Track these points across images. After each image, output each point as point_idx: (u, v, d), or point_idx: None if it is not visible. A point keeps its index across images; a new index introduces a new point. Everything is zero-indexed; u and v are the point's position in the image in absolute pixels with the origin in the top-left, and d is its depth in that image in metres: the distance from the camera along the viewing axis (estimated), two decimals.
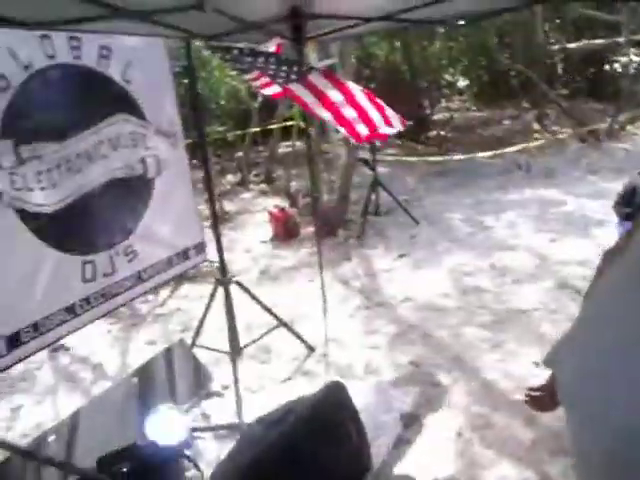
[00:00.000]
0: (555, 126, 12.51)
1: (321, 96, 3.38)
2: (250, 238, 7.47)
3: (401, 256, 6.10)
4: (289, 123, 9.54)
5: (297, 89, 3.38)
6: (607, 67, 14.49)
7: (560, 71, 14.99)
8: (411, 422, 3.31)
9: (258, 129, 10.64)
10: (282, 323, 4.19)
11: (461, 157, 9.01)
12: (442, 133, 13.26)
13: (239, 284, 3.93)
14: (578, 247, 5.67)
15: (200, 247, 3.87)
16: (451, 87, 16.33)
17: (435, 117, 14.40)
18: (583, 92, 14.27)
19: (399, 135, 11.28)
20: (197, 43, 5.52)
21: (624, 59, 12.42)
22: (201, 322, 4.04)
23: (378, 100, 3.65)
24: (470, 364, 3.89)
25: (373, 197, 7.44)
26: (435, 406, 3.46)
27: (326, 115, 3.40)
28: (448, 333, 4.34)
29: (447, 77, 15.69)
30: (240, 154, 11.28)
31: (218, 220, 3.99)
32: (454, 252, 6.03)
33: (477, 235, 6.54)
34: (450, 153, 10.39)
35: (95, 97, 3.06)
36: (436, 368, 3.87)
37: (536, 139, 10.83)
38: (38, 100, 2.75)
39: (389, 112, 3.68)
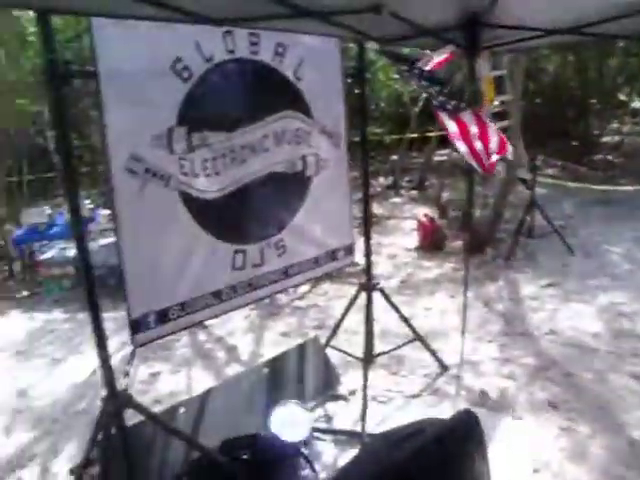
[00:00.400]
0: None
1: (462, 128, 3.43)
2: (395, 244, 7.43)
3: (550, 285, 5.75)
4: None
5: (445, 117, 3.45)
6: None
7: None
8: (542, 468, 3.09)
9: (416, 135, 10.54)
10: (419, 337, 4.09)
11: (630, 188, 8.30)
12: (609, 157, 12.40)
13: (382, 292, 3.89)
14: None
15: (349, 249, 3.85)
16: (624, 107, 15.16)
17: (603, 139, 13.48)
18: None
19: (562, 156, 10.74)
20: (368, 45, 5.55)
21: None
22: (338, 323, 4.05)
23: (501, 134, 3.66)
24: (615, 416, 3.55)
25: (528, 218, 7.07)
26: (570, 456, 3.20)
27: (463, 148, 3.45)
28: (593, 377, 4.00)
29: (621, 96, 14.58)
30: (395, 158, 11.25)
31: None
32: (610, 289, 5.57)
33: (638, 274, 6.00)
34: (616, 180, 9.66)
35: (266, 92, 3.14)
36: (576, 414, 3.58)
37: None
38: (214, 91, 2.86)
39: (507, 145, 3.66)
